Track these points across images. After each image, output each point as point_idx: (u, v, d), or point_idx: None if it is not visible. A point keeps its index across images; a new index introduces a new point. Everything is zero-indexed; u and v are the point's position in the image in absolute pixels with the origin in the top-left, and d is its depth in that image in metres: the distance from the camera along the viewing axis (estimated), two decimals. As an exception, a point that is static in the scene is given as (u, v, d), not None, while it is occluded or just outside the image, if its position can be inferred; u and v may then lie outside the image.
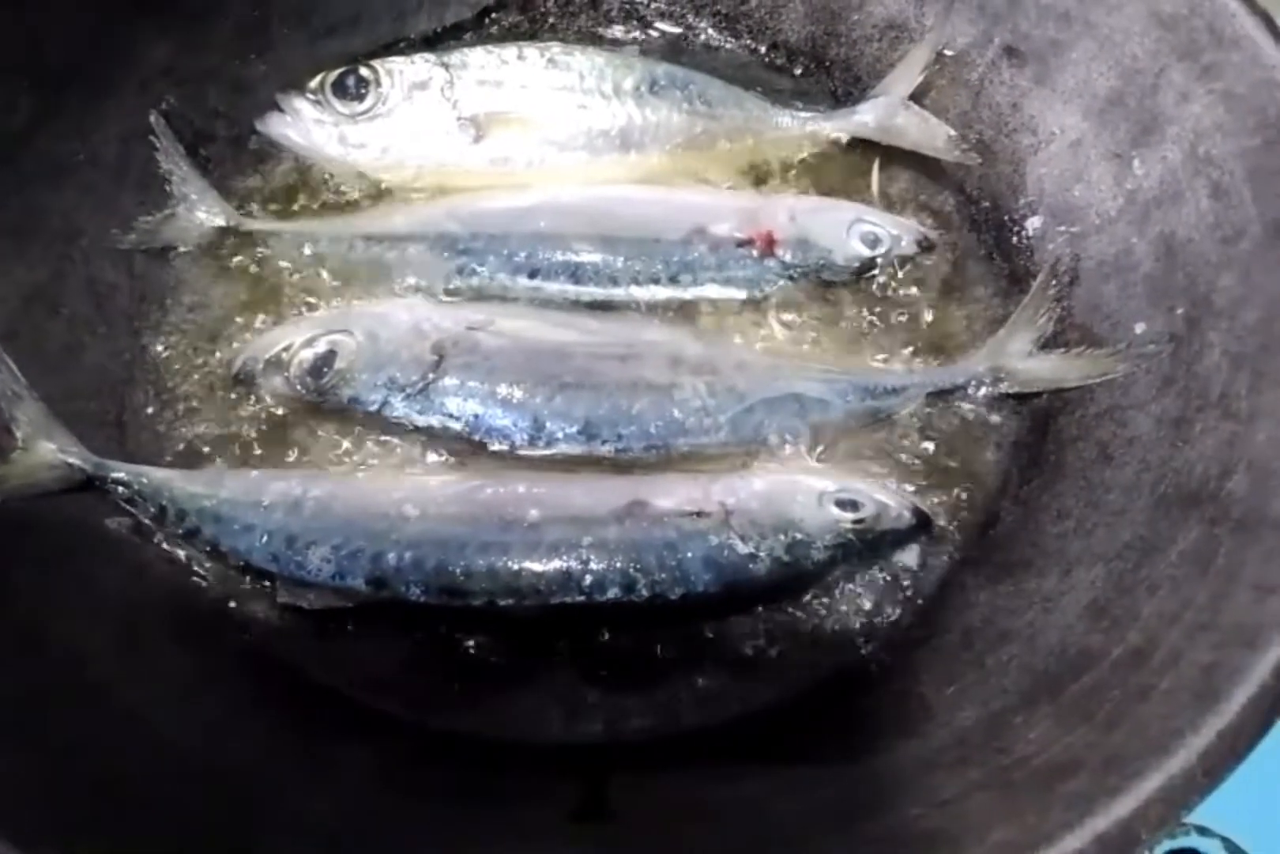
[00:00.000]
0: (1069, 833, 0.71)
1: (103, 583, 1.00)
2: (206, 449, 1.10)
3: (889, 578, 1.06)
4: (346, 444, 1.09)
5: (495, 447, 1.07)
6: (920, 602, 1.05)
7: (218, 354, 1.14)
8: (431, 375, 1.07)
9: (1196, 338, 1.02)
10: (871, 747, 0.92)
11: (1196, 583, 0.86)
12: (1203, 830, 1.09)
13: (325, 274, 1.17)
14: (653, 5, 1.35)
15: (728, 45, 1.35)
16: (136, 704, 0.90)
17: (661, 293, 1.16)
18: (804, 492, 1.04)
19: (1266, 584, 0.81)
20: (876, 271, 1.18)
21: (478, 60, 1.22)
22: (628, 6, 1.35)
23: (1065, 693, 0.86)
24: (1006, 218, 1.22)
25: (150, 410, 1.12)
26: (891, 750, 0.90)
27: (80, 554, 1.01)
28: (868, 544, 1.04)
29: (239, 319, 1.15)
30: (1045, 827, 0.72)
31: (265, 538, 1.01)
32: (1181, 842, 1.09)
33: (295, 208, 1.22)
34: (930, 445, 1.11)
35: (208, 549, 1.03)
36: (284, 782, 0.89)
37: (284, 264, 1.17)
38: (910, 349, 1.16)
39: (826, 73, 1.32)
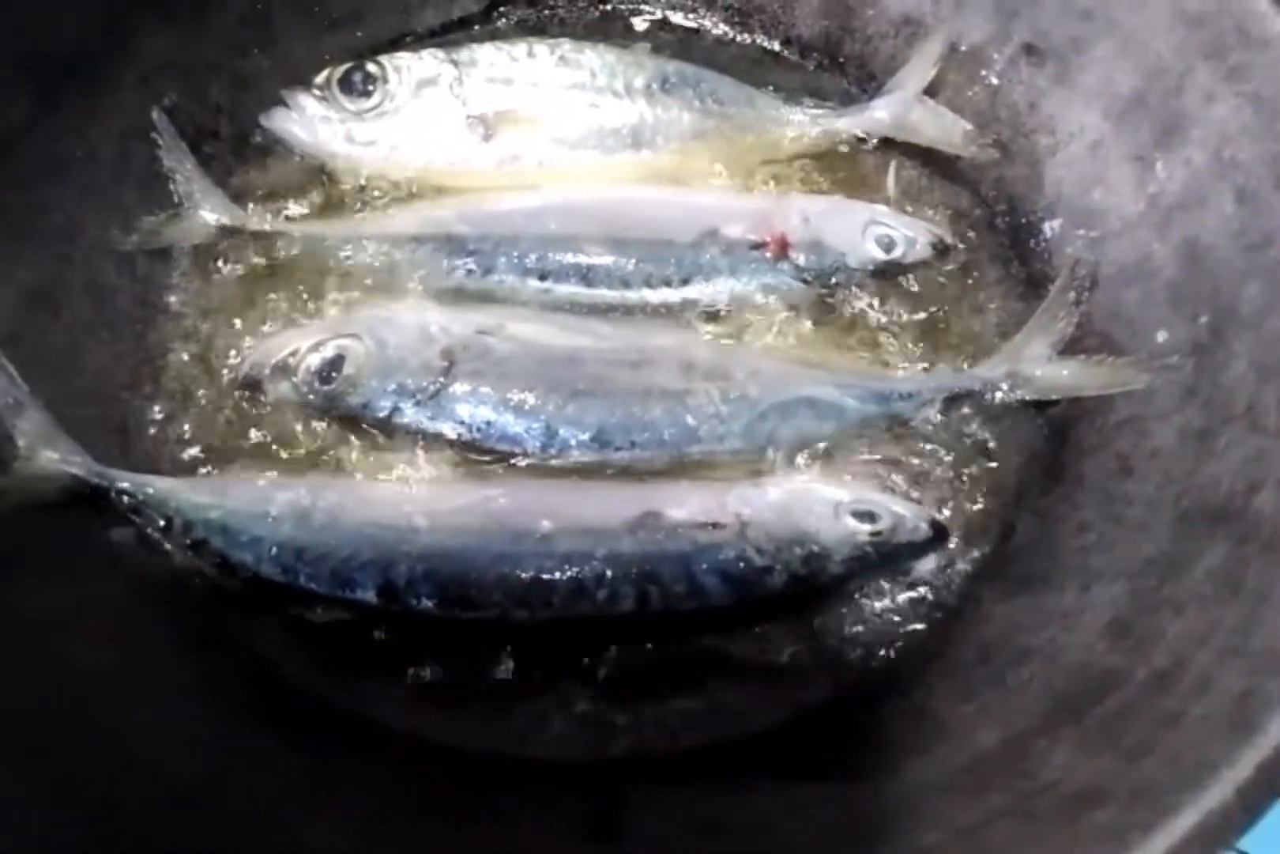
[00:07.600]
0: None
1: (105, 598, 0.98)
2: (212, 456, 1.08)
3: (904, 591, 1.05)
4: (355, 452, 1.08)
5: (507, 455, 1.05)
6: (937, 615, 1.04)
7: (223, 358, 1.12)
8: (442, 381, 1.06)
9: (1221, 348, 1.00)
10: (885, 765, 0.91)
11: (1226, 604, 0.85)
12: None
13: (332, 276, 1.14)
14: (664, -1, 1.33)
15: (740, 40, 1.32)
16: (138, 725, 0.89)
17: (673, 295, 1.14)
18: (820, 502, 1.03)
19: (1301, 608, 0.80)
20: (891, 274, 1.16)
21: (487, 57, 1.20)
22: (638, -1, 1.33)
23: (1089, 716, 0.85)
24: (1024, 220, 1.20)
25: (154, 416, 1.10)
26: (905, 770, 0.89)
27: (82, 567, 0.99)
28: (884, 556, 1.02)
29: (244, 322, 1.13)
30: (1076, 860, 0.71)
31: (274, 550, 1.00)
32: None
33: (301, 207, 1.19)
34: (946, 453, 1.10)
35: (216, 561, 1.01)
36: (288, 806, 0.88)
37: (290, 265, 1.15)
38: (925, 354, 1.14)
39: (840, 69, 1.30)
